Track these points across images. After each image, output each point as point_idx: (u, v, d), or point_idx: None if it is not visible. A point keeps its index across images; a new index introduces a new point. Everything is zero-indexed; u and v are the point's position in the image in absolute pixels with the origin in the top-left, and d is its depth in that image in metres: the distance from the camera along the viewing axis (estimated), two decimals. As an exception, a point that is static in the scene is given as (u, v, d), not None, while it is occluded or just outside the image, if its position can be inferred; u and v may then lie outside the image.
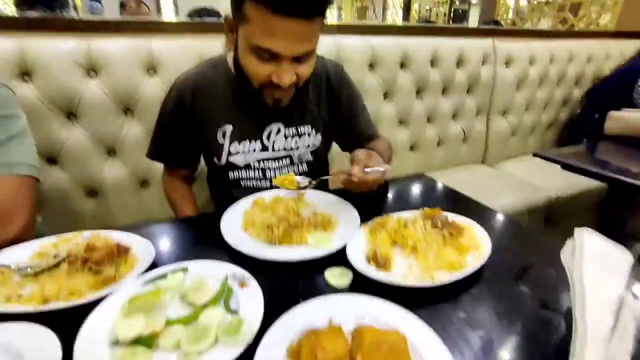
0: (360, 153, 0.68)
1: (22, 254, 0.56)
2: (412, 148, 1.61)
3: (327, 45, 1.28)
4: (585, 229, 0.46)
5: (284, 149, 0.85)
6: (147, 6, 3.00)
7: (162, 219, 1.20)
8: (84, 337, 0.40)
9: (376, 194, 0.87)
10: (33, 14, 0.95)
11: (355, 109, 0.92)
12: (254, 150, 0.83)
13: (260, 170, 0.85)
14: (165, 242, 0.65)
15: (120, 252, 0.52)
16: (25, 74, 0.95)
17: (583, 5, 2.62)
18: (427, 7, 5.54)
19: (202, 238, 0.68)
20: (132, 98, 1.07)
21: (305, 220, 0.63)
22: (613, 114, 1.48)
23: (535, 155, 1.16)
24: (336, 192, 0.76)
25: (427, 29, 1.63)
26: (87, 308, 0.45)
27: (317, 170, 0.91)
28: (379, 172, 0.65)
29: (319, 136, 0.88)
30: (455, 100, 1.62)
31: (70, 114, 1.02)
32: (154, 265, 0.56)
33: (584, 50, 1.93)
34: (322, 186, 0.77)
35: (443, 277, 0.50)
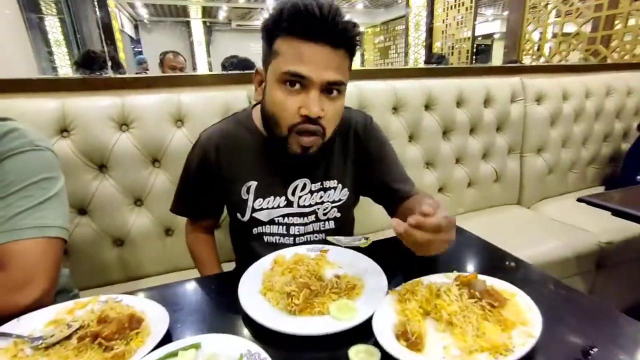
0: (431, 202, 0.56)
1: (39, 321, 0.55)
2: (440, 189, 1.54)
3: (349, 91, 1.28)
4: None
5: (309, 205, 0.82)
6: (183, 57, 3.26)
7: (184, 267, 1.21)
8: None
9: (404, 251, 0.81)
10: (75, 75, 1.01)
11: (387, 165, 0.85)
12: (279, 206, 0.81)
13: (284, 226, 0.82)
14: (182, 306, 0.62)
15: (132, 325, 0.49)
16: (64, 130, 1.01)
17: (615, 36, 2.54)
18: (450, 44, 5.61)
19: (220, 301, 0.65)
20: (160, 149, 1.10)
21: (327, 285, 0.58)
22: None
23: (580, 200, 1.06)
24: (363, 250, 0.71)
25: (451, 70, 1.62)
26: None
27: (343, 227, 0.87)
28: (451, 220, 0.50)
29: (346, 191, 0.84)
30: (485, 139, 1.56)
31: (102, 166, 1.06)
32: (167, 335, 0.53)
33: (622, 83, 1.84)
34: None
35: (487, 363, 0.43)
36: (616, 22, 2.65)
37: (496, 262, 0.74)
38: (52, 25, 5.24)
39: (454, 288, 0.55)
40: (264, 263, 0.68)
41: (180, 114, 1.12)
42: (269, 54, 0.68)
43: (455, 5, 5.47)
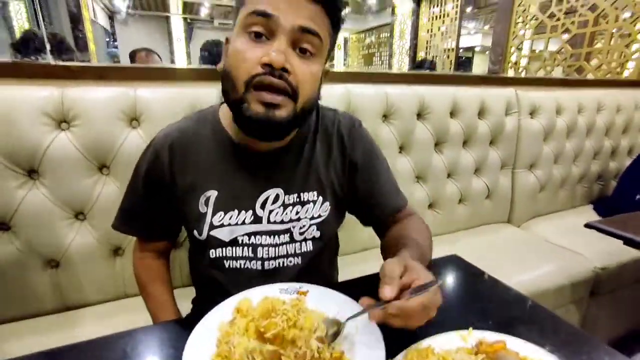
0: (390, 265, 0.46)
1: None
2: (430, 206, 1.42)
3: (337, 93, 1.15)
4: None
5: (282, 221, 0.67)
6: (158, 55, 2.98)
7: (135, 293, 1.02)
8: None
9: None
10: (3, 60, 0.82)
11: (375, 174, 0.73)
12: (244, 223, 0.65)
13: (249, 248, 0.66)
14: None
15: None
16: (-19, 125, 0.81)
17: (594, 53, 2.54)
18: (433, 55, 5.63)
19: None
20: (109, 153, 0.92)
21: (305, 355, 0.42)
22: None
23: (588, 226, 0.96)
24: (350, 295, 0.56)
25: (444, 77, 1.51)
26: None
27: (324, 251, 0.72)
28: (426, 289, 0.42)
29: (327, 205, 0.69)
30: (478, 153, 1.46)
31: (32, 171, 0.87)
32: None
33: (612, 100, 1.79)
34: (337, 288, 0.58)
35: None
36: (595, 40, 2.66)
37: (512, 307, 0.61)
38: (17, 11, 4.87)
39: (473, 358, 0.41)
40: (223, 311, 0.52)
41: (135, 112, 0.94)
42: (236, 11, 0.57)
43: (440, 16, 5.50)
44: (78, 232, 0.93)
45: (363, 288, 0.49)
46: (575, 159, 1.76)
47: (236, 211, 0.65)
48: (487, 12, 8.62)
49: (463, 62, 10.69)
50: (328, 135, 0.70)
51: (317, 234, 0.69)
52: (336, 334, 0.47)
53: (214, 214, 0.65)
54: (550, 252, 1.37)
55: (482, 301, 0.62)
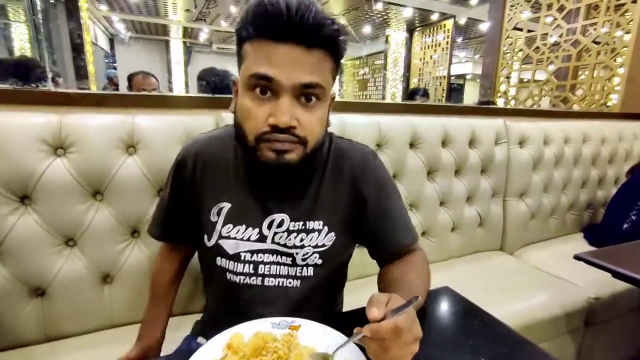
0: (377, 295, 0.49)
1: None
2: (423, 234, 1.43)
3: (331, 123, 1.17)
4: None
5: (285, 245, 0.68)
6: (155, 78, 3.03)
7: (122, 323, 1.00)
8: None
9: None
10: (3, 86, 0.84)
11: (385, 209, 0.72)
12: (249, 239, 0.68)
13: (251, 265, 0.68)
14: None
15: None
16: (-24, 151, 0.82)
17: (578, 85, 2.66)
18: (426, 82, 5.81)
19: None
20: (104, 179, 0.92)
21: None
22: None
23: (577, 258, 0.98)
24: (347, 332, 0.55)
25: (435, 108, 1.56)
26: None
27: (326, 278, 0.72)
28: (403, 310, 0.44)
29: (332, 236, 0.70)
30: (470, 181, 1.49)
31: (24, 197, 0.86)
32: None
33: (597, 131, 1.86)
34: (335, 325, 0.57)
35: None
36: (580, 72, 2.79)
37: (503, 342, 0.61)
38: (19, 32, 5.01)
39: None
40: (214, 348, 0.51)
41: (133, 139, 0.95)
42: (239, 61, 0.61)
43: (432, 45, 5.73)
44: (67, 259, 0.92)
45: (354, 324, 0.49)
46: (564, 187, 1.79)
47: (244, 226, 0.68)
48: (476, 43, 8.99)
49: (455, 88, 11.05)
50: (338, 166, 0.71)
51: (319, 261, 0.70)
52: None
53: (224, 224, 0.68)
54: (544, 281, 1.37)
55: (474, 336, 0.62)
